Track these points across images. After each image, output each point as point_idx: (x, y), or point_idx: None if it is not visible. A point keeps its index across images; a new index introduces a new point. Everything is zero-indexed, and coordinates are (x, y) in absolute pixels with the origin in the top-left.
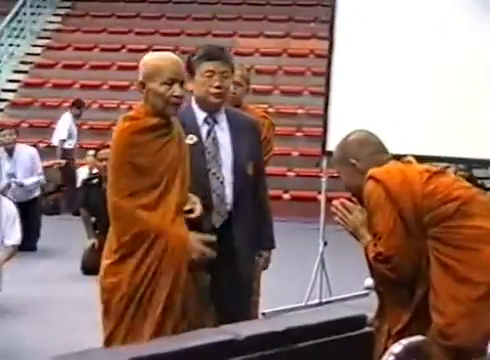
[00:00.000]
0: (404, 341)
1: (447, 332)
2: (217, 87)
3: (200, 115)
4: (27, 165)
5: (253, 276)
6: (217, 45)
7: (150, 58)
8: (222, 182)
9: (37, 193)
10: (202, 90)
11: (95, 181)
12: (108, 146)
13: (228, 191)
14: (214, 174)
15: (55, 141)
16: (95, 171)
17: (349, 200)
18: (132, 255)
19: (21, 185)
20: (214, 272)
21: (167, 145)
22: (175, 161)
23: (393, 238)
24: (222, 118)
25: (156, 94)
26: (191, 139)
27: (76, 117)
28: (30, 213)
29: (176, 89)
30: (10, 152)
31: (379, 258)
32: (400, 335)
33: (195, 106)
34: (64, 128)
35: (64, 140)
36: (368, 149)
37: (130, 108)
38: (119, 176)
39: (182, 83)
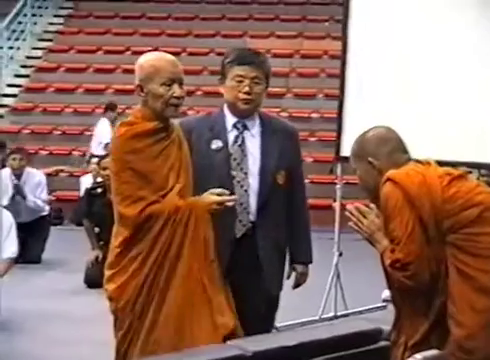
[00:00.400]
0: (418, 356)
1: (466, 346)
2: (246, 93)
3: (230, 120)
4: (34, 190)
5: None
6: (252, 49)
7: (146, 59)
8: (246, 190)
9: (45, 212)
10: (232, 95)
11: (99, 190)
12: None
13: (252, 200)
14: (238, 182)
15: (95, 147)
16: (99, 179)
17: (365, 206)
18: (136, 258)
19: (24, 197)
20: (238, 284)
21: (167, 149)
22: (177, 165)
23: (412, 243)
24: (254, 124)
25: (155, 95)
26: (215, 144)
27: (113, 121)
28: (36, 229)
29: (176, 90)
30: (18, 176)
31: (396, 265)
32: (418, 348)
33: (227, 111)
34: (106, 132)
35: (108, 144)
36: (386, 147)
37: None
38: (121, 183)
39: (181, 83)
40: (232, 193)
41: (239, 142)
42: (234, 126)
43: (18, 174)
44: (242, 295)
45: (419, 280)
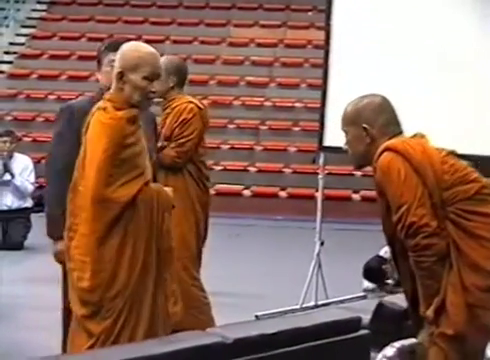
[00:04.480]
0: (397, 344)
1: (450, 320)
2: None
3: None
4: (22, 173)
5: None
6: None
7: (132, 49)
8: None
9: (28, 204)
10: None
11: None
12: None
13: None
14: None
15: None
16: None
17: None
18: (123, 243)
19: (12, 175)
20: None
21: (140, 135)
22: (143, 151)
23: (422, 207)
24: None
25: (136, 87)
26: None
27: None
28: (18, 215)
29: (155, 85)
30: (7, 159)
31: (411, 231)
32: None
33: None
34: None
35: None
36: (382, 118)
37: None
38: (112, 166)
39: (158, 78)
40: None
41: None
42: None
43: (7, 157)
44: None
45: (439, 239)
